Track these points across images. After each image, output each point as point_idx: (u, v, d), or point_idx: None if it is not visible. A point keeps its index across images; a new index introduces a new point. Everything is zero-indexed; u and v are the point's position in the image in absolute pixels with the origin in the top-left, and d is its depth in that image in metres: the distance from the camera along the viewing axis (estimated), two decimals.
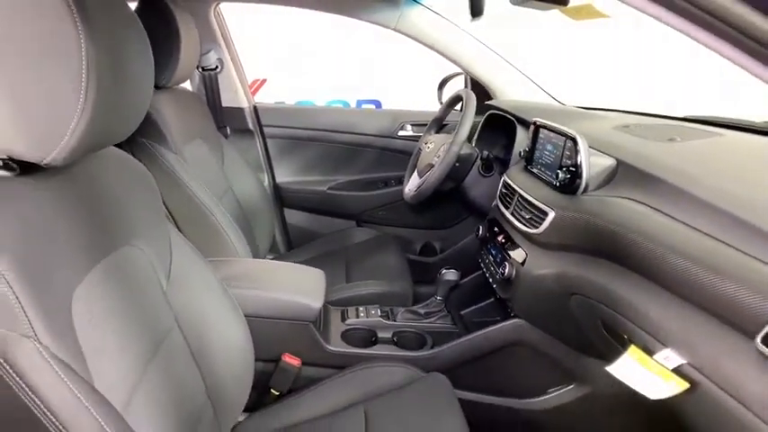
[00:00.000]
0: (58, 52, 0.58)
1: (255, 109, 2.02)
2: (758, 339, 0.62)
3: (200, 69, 1.83)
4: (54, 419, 0.56)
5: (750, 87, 0.68)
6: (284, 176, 2.11)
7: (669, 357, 0.76)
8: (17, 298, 0.57)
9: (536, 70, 1.82)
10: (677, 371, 0.74)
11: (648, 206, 0.91)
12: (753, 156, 1.03)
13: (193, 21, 1.48)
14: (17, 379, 0.55)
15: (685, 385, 0.72)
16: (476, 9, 1.05)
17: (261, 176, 2.03)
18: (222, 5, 1.86)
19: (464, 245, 1.89)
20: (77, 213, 0.71)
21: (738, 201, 0.77)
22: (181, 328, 0.89)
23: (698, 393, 0.73)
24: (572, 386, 1.27)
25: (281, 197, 2.11)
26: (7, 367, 0.55)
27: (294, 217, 2.14)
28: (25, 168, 0.66)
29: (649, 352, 0.80)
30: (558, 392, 1.28)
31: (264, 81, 3.37)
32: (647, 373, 0.77)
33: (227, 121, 1.92)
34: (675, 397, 0.77)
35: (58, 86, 0.59)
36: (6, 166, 0.65)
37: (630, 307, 0.87)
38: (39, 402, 0.56)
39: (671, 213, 0.86)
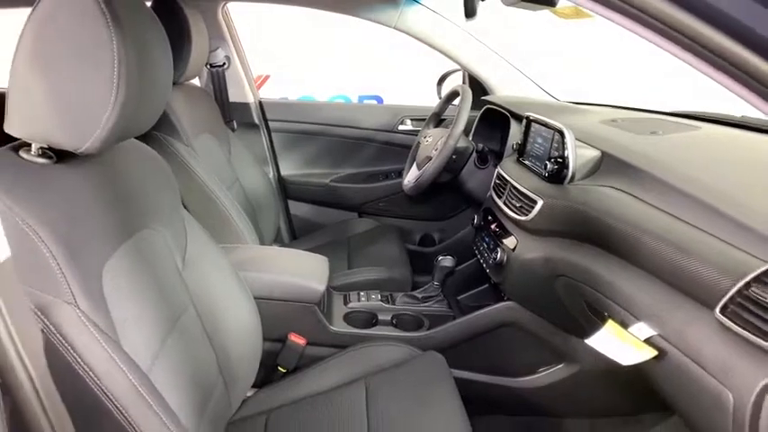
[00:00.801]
0: (93, 55, 0.66)
1: (261, 104, 2.09)
2: (717, 310, 0.70)
3: (209, 66, 1.90)
4: (91, 374, 0.64)
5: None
6: (288, 169, 2.18)
7: (641, 329, 0.83)
8: (60, 269, 0.65)
9: (529, 66, 1.89)
10: (648, 341, 0.82)
11: (628, 194, 0.98)
12: (724, 147, 1.11)
13: (203, 20, 1.55)
14: (61, 339, 0.63)
15: (654, 352, 0.80)
16: (469, 10, 1.12)
17: (266, 169, 2.10)
18: (230, 5, 1.93)
19: (461, 235, 1.97)
20: (105, 197, 0.79)
21: (706, 187, 0.85)
22: (195, 307, 0.97)
23: (666, 361, 0.80)
24: (561, 365, 1.34)
25: (286, 189, 2.18)
26: (53, 329, 0.63)
27: (298, 208, 2.21)
28: (61, 157, 0.74)
29: (624, 325, 0.88)
30: (548, 371, 1.36)
31: (268, 77, 3.43)
32: (621, 344, 0.84)
33: (233, 116, 1.99)
34: (647, 365, 0.85)
35: (94, 84, 0.67)
36: (45, 155, 0.73)
37: (610, 286, 0.95)
38: (79, 359, 0.64)
39: (647, 200, 0.93)
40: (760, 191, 0.84)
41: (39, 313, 0.63)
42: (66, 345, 0.63)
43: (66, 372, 0.63)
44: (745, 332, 0.65)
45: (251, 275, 1.22)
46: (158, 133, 1.38)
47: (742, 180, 0.90)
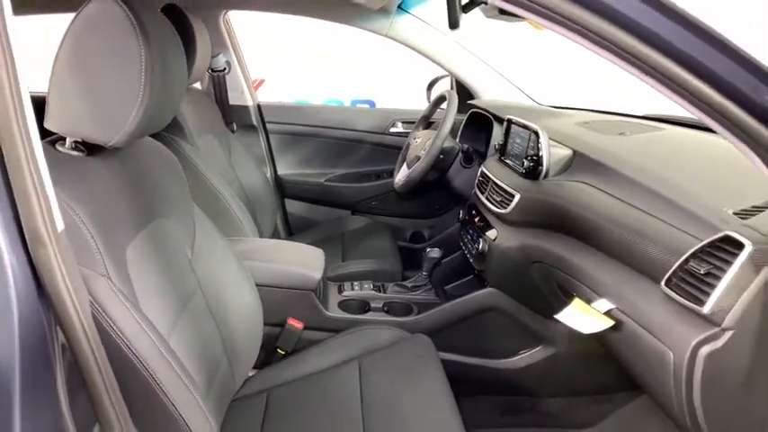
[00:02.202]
0: (124, 61, 0.76)
1: (259, 107, 2.20)
2: (662, 283, 0.81)
3: (210, 71, 2.00)
4: (123, 337, 0.74)
5: None
6: (285, 169, 2.28)
7: (602, 304, 0.95)
8: (97, 246, 0.75)
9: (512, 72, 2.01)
10: (607, 313, 0.94)
11: (595, 187, 1.10)
12: (683, 145, 1.24)
13: (205, 27, 1.66)
14: (97, 306, 0.73)
15: (611, 322, 0.91)
16: (452, 22, 1.24)
17: (264, 169, 2.20)
18: (230, 13, 2.04)
19: (450, 231, 2.08)
20: (128, 188, 0.90)
21: (660, 179, 0.97)
22: (203, 292, 1.07)
23: (623, 330, 0.92)
24: (539, 348, 1.46)
25: (283, 188, 2.28)
26: (91, 297, 0.73)
27: (294, 206, 2.31)
28: (91, 151, 0.84)
29: (589, 302, 0.99)
30: (527, 353, 1.47)
31: (263, 81, 3.53)
32: (585, 317, 0.96)
33: (233, 118, 2.10)
34: (609, 336, 0.96)
35: (123, 86, 0.77)
36: (77, 148, 0.83)
37: (577, 269, 1.06)
38: (111, 323, 0.74)
39: (610, 192, 1.05)
40: (707, 182, 0.96)
41: None
42: (101, 310, 0.73)
43: (103, 333, 0.72)
44: (683, 300, 0.77)
45: (253, 264, 1.32)
46: (167, 134, 1.48)
47: (693, 173, 1.02)
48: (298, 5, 1.95)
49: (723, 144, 1.19)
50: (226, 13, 2.01)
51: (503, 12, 1.20)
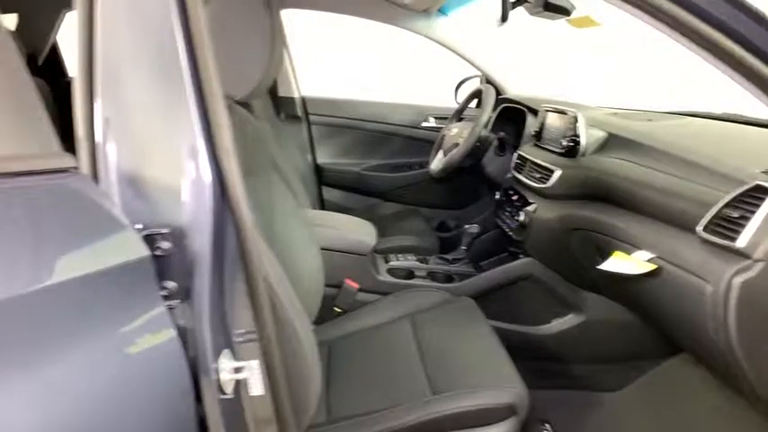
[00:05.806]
0: (257, 33, 0.92)
1: (303, 99, 2.37)
2: (700, 228, 0.96)
3: None
4: None
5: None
6: (324, 158, 2.44)
7: (642, 255, 1.09)
8: None
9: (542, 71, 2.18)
10: (648, 261, 1.08)
11: (630, 161, 1.25)
12: (705, 129, 1.40)
13: None
14: None
15: (654, 266, 1.06)
16: (503, 16, 1.41)
17: (306, 156, 2.36)
18: (283, 11, 2.22)
19: (481, 218, 2.22)
20: (238, 141, 1.04)
21: (687, 149, 1.12)
22: (279, 242, 1.20)
23: (661, 274, 1.06)
24: (570, 315, 1.59)
25: (321, 175, 2.44)
26: None
27: (329, 193, 2.47)
28: None
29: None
30: (560, 321, 1.61)
31: None
32: (628, 263, 1.10)
33: (281, 108, 2.26)
34: (646, 284, 1.11)
35: (255, 54, 0.93)
36: None
37: (617, 229, 1.21)
38: None
39: (643, 163, 1.20)
40: (731, 151, 1.12)
41: None
42: None
43: None
44: (719, 239, 0.91)
45: (315, 230, 1.46)
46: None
47: (719, 145, 1.18)
48: (348, 5, 2.12)
49: (742, 129, 1.36)
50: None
51: (547, 8, 1.37)
